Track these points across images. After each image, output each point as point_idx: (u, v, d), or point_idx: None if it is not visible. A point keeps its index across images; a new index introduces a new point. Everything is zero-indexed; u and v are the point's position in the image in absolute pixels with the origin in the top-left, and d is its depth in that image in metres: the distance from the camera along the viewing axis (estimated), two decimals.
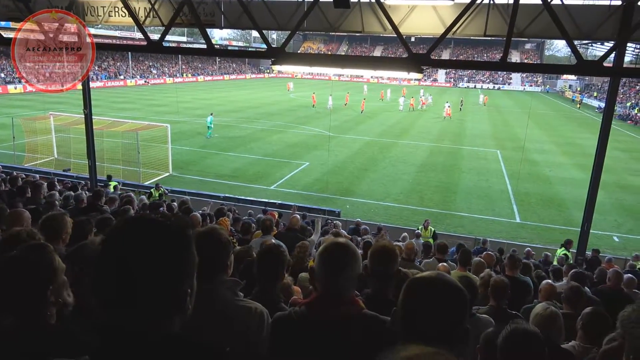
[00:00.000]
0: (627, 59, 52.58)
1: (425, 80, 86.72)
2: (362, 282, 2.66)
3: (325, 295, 2.01)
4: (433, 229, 12.99)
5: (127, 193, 11.00)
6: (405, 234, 11.55)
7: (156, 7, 13.62)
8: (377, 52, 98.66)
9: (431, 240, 10.95)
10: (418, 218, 15.16)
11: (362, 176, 21.60)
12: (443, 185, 20.70)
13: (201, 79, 79.94)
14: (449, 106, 41.99)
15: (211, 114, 28.82)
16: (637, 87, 63.31)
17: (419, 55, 7.53)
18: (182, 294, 1.21)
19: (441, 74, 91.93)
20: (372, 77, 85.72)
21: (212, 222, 8.90)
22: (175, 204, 10.76)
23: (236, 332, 2.10)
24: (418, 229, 12.53)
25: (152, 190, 14.78)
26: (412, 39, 66.34)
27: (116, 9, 14.07)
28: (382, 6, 8.56)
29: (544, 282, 5.67)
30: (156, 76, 73.10)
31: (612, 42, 12.14)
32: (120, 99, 46.16)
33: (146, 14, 13.73)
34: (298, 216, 8.33)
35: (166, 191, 15.24)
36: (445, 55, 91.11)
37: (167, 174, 20.45)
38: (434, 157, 26.07)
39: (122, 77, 67.07)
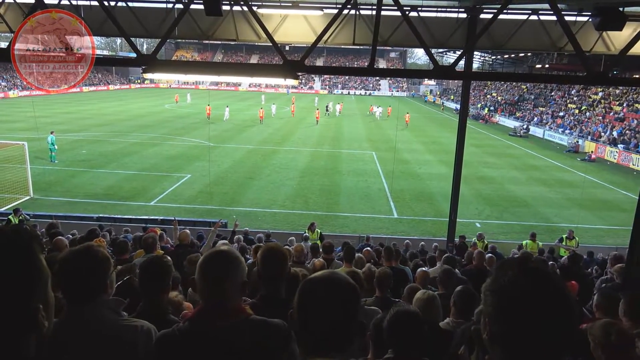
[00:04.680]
0: (475, 65, 59.55)
1: (302, 87, 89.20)
2: (255, 285, 2.66)
3: (208, 306, 1.93)
4: (319, 231, 13.36)
5: None
6: (292, 237, 11.73)
7: (2, 11, 12.16)
8: (254, 60, 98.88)
9: (318, 242, 11.24)
10: (304, 222, 15.47)
11: (247, 185, 21.46)
12: (326, 188, 21.42)
13: (59, 90, 72.60)
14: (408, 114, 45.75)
15: (52, 133, 24.66)
16: (485, 91, 71.98)
17: (293, 62, 7.72)
18: (32, 309, 1.11)
19: (317, 81, 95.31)
20: (250, 84, 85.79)
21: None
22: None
23: (123, 353, 1.97)
24: (305, 233, 12.82)
25: (10, 217, 13.06)
26: (287, 48, 67.73)
27: None
28: (255, 14, 8.62)
29: (419, 269, 6.16)
30: (6, 89, 64.78)
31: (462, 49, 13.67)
32: None
33: None
34: (187, 231, 7.98)
35: (27, 217, 13.58)
36: (320, 63, 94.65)
37: (28, 197, 18.23)
38: (316, 162, 26.86)
39: None
